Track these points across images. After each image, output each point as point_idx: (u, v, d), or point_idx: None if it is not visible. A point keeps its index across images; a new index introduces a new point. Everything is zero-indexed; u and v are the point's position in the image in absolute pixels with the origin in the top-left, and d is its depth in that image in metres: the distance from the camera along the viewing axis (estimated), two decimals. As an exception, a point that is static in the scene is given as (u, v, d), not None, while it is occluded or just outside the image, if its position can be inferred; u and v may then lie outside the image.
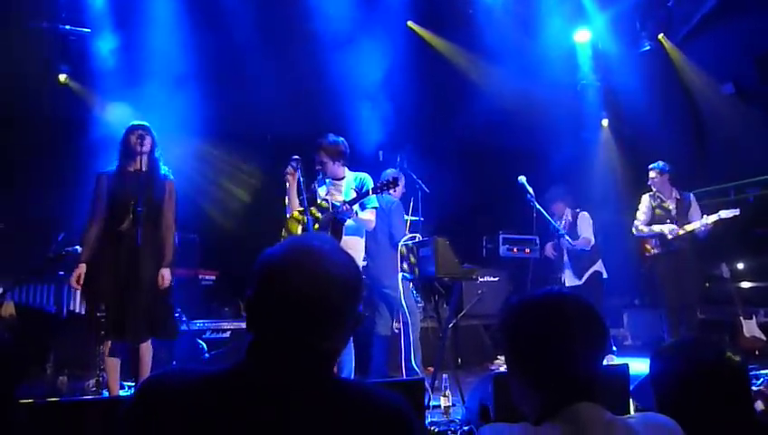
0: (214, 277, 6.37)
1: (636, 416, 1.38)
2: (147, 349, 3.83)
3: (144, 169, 3.88)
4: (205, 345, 5.44)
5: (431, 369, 4.93)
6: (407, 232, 4.98)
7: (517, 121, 7.35)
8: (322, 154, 4.26)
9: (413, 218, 6.25)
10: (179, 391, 1.08)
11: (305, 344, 1.10)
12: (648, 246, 5.87)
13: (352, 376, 4.32)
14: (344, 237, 4.13)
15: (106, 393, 3.82)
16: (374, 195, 4.12)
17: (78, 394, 4.22)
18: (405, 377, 4.44)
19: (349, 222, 4.15)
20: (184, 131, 5.90)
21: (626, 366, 3.20)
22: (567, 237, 5.95)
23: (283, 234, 4.28)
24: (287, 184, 4.20)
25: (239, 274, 5.60)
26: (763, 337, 5.99)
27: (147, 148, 3.89)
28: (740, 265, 7.23)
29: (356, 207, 4.10)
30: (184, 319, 5.23)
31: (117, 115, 5.74)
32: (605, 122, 8.58)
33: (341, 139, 4.33)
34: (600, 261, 6.08)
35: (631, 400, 2.99)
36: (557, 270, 6.26)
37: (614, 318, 7.45)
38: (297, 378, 1.09)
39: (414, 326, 4.67)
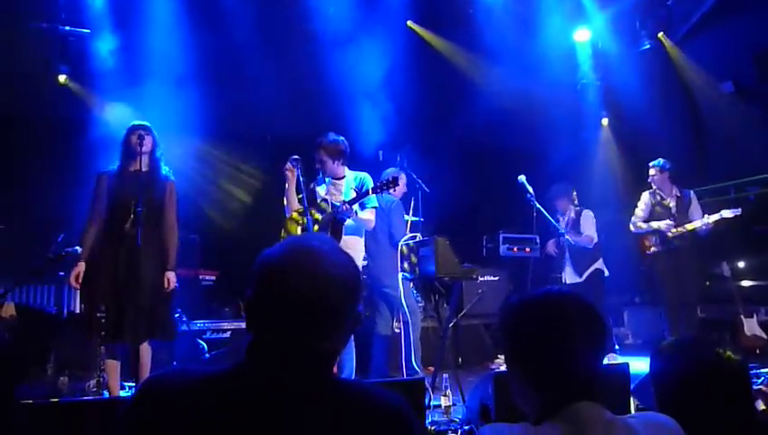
0: (214, 277, 6.39)
1: (636, 415, 1.38)
2: (146, 350, 3.83)
3: (145, 169, 3.88)
4: (205, 345, 5.45)
5: (431, 368, 4.93)
6: (407, 232, 4.98)
7: (517, 121, 7.35)
8: (322, 153, 4.26)
9: (413, 219, 6.25)
10: (179, 392, 1.08)
11: (305, 345, 1.10)
12: (648, 244, 5.86)
13: (353, 376, 4.32)
14: (344, 237, 4.13)
15: (106, 394, 3.81)
16: (374, 194, 4.11)
17: (78, 395, 4.20)
18: (405, 377, 4.43)
19: (348, 222, 4.15)
20: (184, 131, 5.90)
21: (626, 365, 3.19)
22: (567, 236, 5.95)
23: (282, 234, 4.27)
24: (286, 182, 4.20)
25: (239, 274, 5.58)
26: (764, 336, 5.99)
27: (147, 148, 3.89)
28: (741, 264, 7.22)
29: (356, 206, 4.09)
30: (184, 319, 5.24)
31: (116, 115, 5.73)
32: (605, 121, 8.56)
33: (342, 138, 4.32)
34: (601, 259, 6.08)
35: (632, 398, 2.98)
36: (557, 269, 6.28)
37: (615, 316, 7.45)
38: (297, 378, 1.09)
39: (414, 326, 4.66)
